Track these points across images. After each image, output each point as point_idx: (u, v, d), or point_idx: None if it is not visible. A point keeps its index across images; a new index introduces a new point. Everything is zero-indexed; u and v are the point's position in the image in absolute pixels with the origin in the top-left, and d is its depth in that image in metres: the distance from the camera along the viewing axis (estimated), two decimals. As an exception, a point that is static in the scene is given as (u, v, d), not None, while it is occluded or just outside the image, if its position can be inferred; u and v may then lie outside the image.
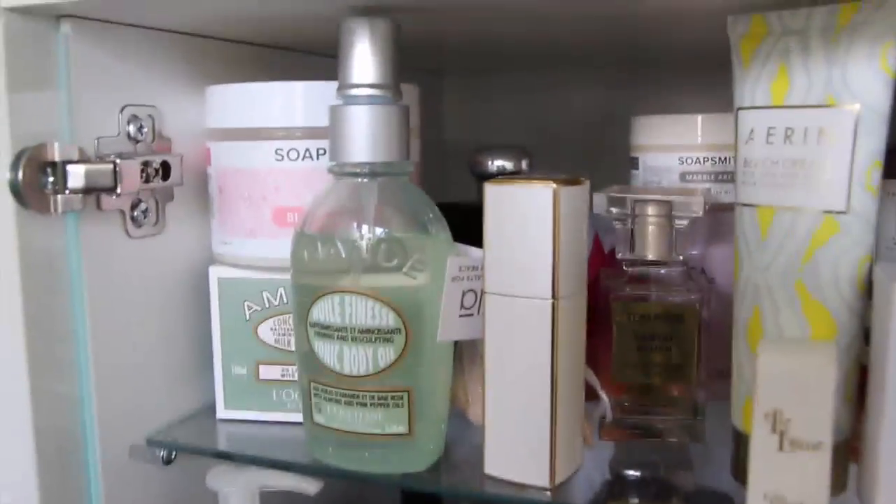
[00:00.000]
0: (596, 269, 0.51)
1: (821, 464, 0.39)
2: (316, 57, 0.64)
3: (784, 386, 0.39)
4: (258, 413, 0.54)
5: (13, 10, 0.43)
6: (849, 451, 0.43)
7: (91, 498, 0.49)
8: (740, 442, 0.44)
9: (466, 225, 0.47)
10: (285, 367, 0.53)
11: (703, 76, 0.61)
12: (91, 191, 0.45)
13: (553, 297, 0.43)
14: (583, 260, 0.45)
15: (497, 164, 0.58)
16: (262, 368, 0.53)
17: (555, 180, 0.42)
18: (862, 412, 0.43)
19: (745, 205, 0.43)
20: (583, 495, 0.45)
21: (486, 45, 0.64)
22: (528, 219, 0.43)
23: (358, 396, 0.46)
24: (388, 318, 0.45)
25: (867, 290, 0.41)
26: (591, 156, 0.72)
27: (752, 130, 0.43)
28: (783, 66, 0.41)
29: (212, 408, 0.55)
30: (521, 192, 0.43)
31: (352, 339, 0.45)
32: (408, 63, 0.47)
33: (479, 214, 0.44)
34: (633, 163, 0.57)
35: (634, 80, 0.78)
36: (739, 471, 0.44)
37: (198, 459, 0.52)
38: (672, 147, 0.54)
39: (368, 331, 0.45)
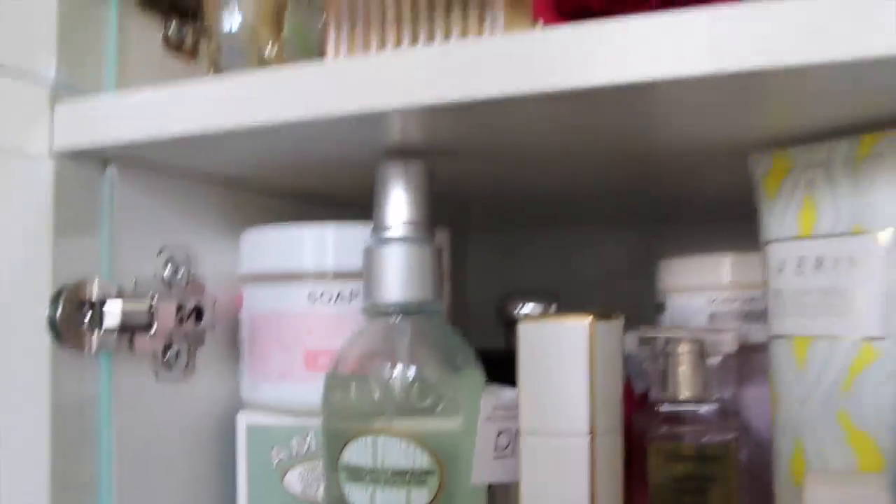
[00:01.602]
0: (628, 413, 0.50)
1: None
2: (347, 207, 0.66)
3: (836, 519, 0.37)
4: (285, 565, 0.51)
5: (64, 154, 0.45)
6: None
7: None
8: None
9: (492, 372, 0.47)
10: (313, 516, 0.51)
11: (728, 222, 0.62)
12: (126, 329, 0.46)
13: (590, 433, 0.42)
14: (618, 395, 0.44)
15: (526, 308, 0.58)
16: (288, 519, 0.51)
17: (589, 315, 0.43)
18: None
19: (779, 336, 0.43)
20: None
21: (511, 201, 0.65)
22: (562, 355, 0.43)
23: (391, 542, 0.44)
24: (421, 459, 0.44)
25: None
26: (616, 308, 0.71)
27: (782, 262, 0.43)
28: (809, 197, 0.42)
29: (237, 559, 0.52)
30: (555, 327, 0.43)
31: (384, 482, 0.44)
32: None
33: (505, 361, 0.44)
34: (660, 308, 0.57)
35: (658, 232, 0.78)
36: None
37: None
38: (700, 287, 0.54)
39: (401, 472, 0.44)
